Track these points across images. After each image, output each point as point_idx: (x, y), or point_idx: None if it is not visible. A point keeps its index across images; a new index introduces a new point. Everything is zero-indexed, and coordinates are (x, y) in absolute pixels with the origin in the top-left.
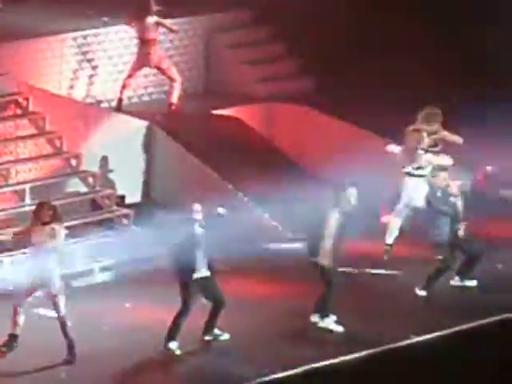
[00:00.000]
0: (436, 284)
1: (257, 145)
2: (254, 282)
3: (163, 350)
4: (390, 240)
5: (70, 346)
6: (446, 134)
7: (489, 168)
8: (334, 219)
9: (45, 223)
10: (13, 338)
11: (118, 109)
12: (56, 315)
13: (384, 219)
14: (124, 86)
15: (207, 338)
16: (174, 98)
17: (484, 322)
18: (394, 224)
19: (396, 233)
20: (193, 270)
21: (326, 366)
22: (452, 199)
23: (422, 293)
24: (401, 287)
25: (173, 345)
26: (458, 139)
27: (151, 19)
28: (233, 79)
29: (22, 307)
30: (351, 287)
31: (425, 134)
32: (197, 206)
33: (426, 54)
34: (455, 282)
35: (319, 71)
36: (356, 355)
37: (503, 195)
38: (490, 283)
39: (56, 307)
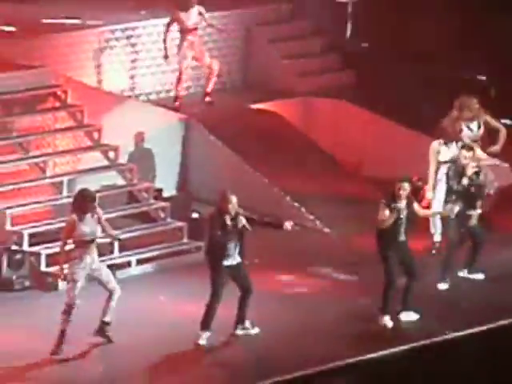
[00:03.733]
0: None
1: (295, 140)
2: (287, 276)
3: (194, 343)
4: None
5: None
6: (487, 118)
7: None
8: None
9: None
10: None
11: (177, 108)
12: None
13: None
14: (179, 83)
15: (238, 331)
16: (209, 87)
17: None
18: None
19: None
20: (224, 258)
21: (354, 362)
22: (465, 180)
23: (443, 286)
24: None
25: (205, 334)
26: (500, 126)
27: (195, 9)
28: (272, 73)
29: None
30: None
31: (463, 124)
32: (232, 198)
33: (465, 52)
34: (463, 273)
35: (359, 66)
36: (390, 351)
37: None
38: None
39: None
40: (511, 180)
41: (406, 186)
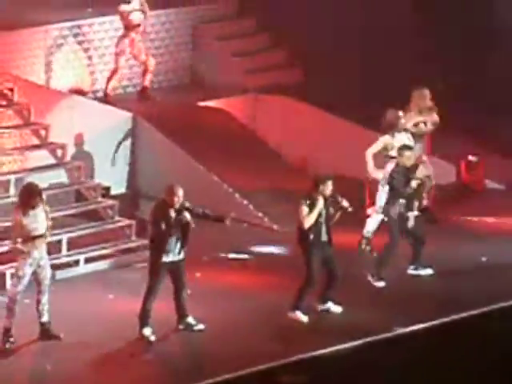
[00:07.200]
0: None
1: (243, 137)
2: (236, 273)
3: (140, 339)
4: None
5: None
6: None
7: (472, 158)
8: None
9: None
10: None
11: (107, 101)
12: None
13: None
14: (111, 79)
15: (181, 326)
16: (146, 83)
17: (468, 314)
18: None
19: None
20: (163, 252)
21: (304, 358)
22: (413, 183)
23: (380, 284)
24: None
25: (147, 331)
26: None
27: (137, 4)
28: (219, 71)
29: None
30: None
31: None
32: (179, 191)
33: (412, 42)
34: (411, 270)
35: (306, 62)
36: (340, 347)
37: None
38: (475, 274)
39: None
40: (453, 178)
41: (326, 185)
